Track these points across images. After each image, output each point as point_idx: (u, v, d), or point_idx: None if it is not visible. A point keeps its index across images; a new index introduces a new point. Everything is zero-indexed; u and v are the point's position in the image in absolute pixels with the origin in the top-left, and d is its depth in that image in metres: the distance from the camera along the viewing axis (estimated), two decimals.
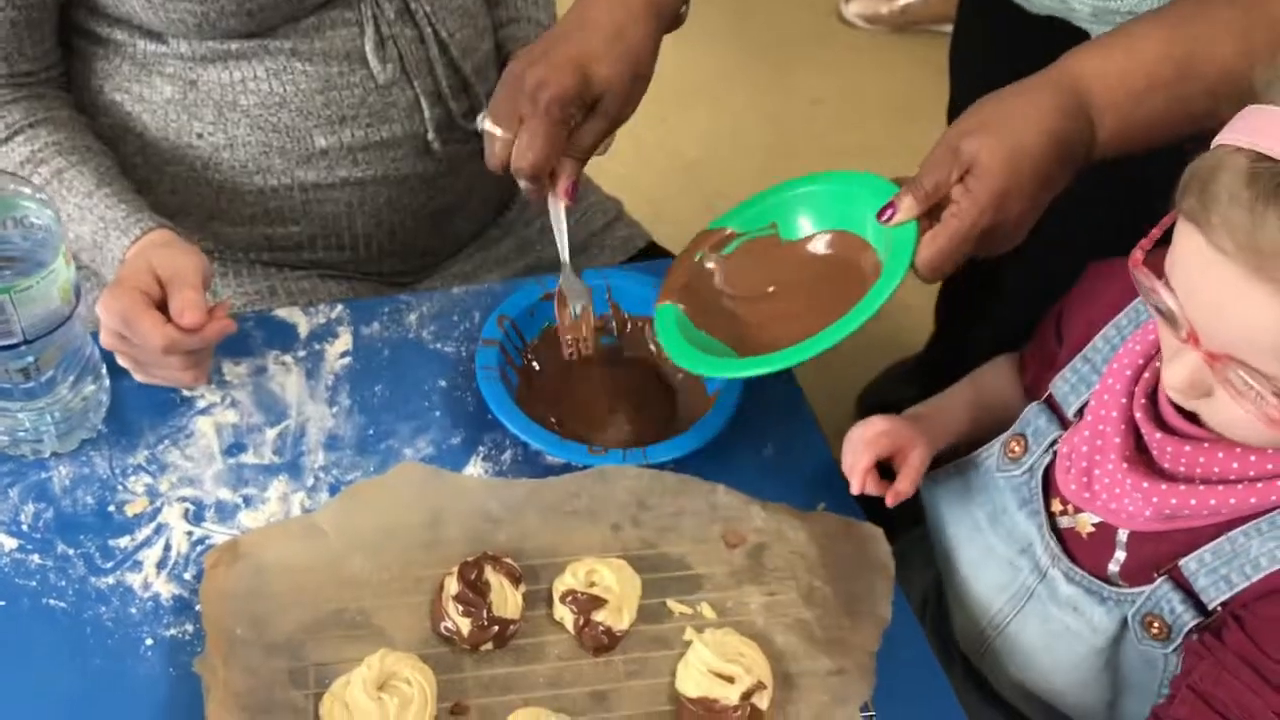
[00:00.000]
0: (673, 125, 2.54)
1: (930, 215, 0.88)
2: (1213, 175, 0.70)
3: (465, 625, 0.86)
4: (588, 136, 0.97)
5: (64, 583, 0.90)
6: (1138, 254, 0.76)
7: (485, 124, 0.98)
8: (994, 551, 0.96)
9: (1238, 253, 0.68)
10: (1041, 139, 0.83)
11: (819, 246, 0.98)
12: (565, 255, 1.02)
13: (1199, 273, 0.71)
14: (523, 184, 0.97)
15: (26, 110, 1.05)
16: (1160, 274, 0.75)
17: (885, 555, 0.93)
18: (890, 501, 0.95)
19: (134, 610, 0.89)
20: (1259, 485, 0.77)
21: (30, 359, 0.91)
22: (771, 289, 0.99)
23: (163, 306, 0.94)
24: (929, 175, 0.87)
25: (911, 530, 1.22)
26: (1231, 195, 0.68)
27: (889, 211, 0.88)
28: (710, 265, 1.00)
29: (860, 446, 0.96)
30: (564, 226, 1.01)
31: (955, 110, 1.52)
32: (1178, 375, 0.75)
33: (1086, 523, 0.89)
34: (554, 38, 0.96)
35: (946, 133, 0.87)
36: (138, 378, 0.99)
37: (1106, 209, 0.99)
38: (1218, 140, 0.73)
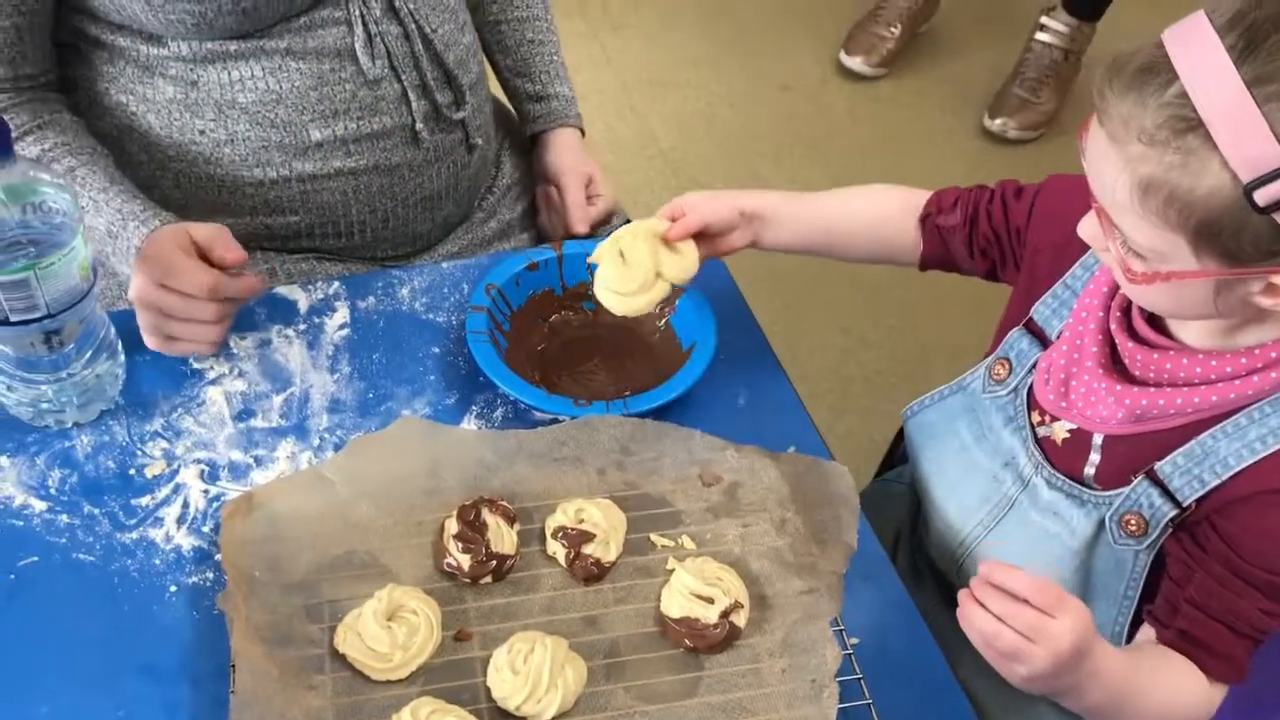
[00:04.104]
0: (644, 113, 2.60)
1: None
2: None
3: (466, 561, 0.93)
4: None
5: (91, 539, 0.97)
6: (1083, 131, 0.88)
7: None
8: (978, 467, 1.04)
9: (1105, 123, 0.83)
10: None
11: None
12: None
13: (1091, 141, 0.85)
14: None
15: (32, 112, 1.13)
16: None
17: (849, 490, 1.01)
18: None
19: (158, 561, 0.96)
20: (1219, 385, 0.88)
21: (53, 330, 0.97)
22: None
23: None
24: None
25: (882, 475, 1.30)
26: (1101, 78, 0.83)
27: None
28: None
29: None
30: None
31: None
32: (1085, 224, 0.90)
33: (1061, 430, 0.97)
34: None
35: None
36: (155, 344, 1.05)
37: None
38: None
